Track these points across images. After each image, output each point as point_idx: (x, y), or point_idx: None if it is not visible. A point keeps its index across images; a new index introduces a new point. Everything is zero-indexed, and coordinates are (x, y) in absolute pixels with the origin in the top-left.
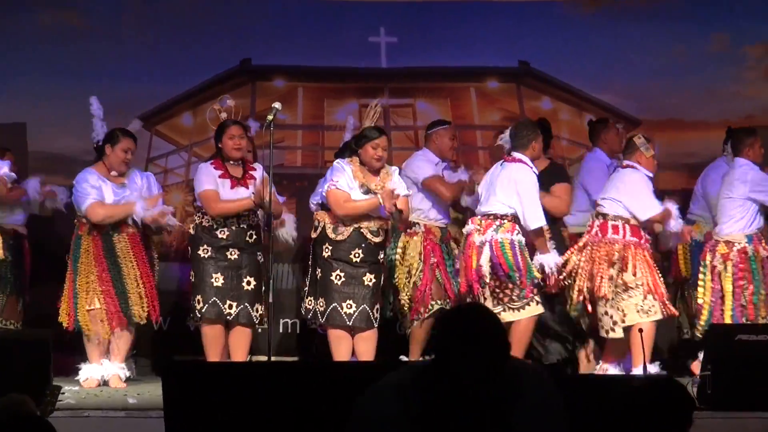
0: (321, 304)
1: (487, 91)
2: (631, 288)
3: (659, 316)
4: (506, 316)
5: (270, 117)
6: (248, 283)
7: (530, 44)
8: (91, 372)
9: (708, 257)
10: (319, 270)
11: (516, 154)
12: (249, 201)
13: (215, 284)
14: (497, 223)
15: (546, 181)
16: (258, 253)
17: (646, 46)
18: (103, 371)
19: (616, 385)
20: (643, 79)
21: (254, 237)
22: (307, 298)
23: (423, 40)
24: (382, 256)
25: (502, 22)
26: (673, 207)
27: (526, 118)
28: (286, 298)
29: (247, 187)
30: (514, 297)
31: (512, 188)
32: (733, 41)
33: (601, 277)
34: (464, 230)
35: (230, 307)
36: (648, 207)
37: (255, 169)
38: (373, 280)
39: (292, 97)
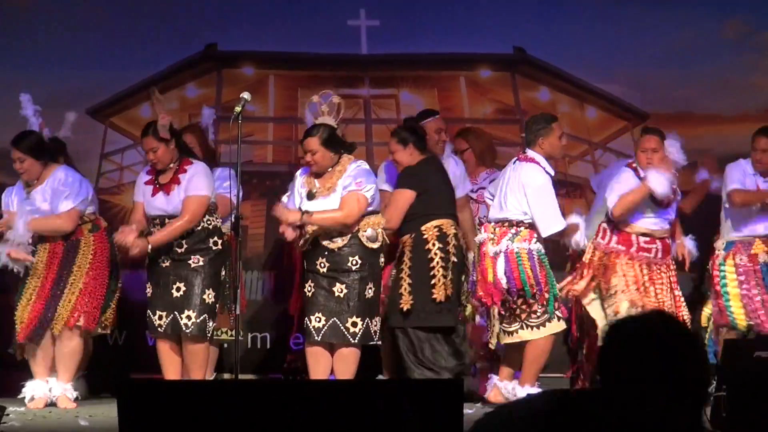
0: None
1: (478, 81)
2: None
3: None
4: (523, 335)
5: (238, 108)
6: (177, 289)
7: (526, 29)
8: (35, 390)
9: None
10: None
11: (529, 152)
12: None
13: (148, 296)
14: (513, 231)
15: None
16: (193, 257)
17: (653, 32)
18: (49, 390)
19: None
20: (650, 67)
21: (185, 247)
22: None
23: (407, 23)
24: (355, 263)
25: (496, 4)
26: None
27: (541, 112)
28: (256, 310)
29: (168, 194)
30: (532, 313)
31: (522, 192)
32: (750, 26)
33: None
34: (477, 239)
35: (160, 318)
36: (608, 201)
37: (185, 171)
38: (345, 291)
39: (262, 87)
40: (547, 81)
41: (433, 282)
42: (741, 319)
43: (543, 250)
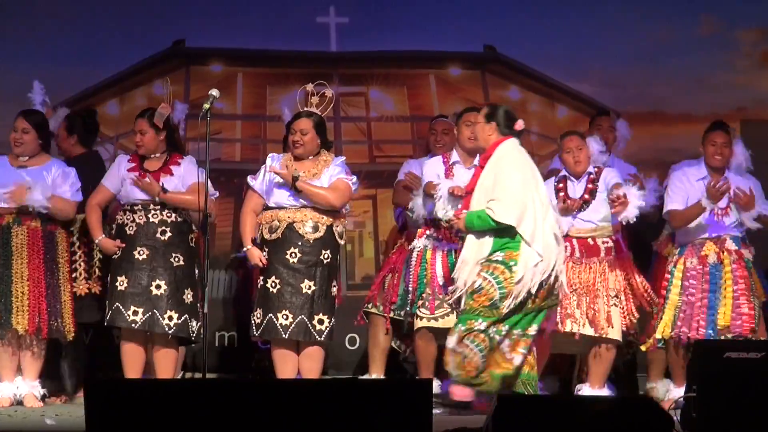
0: (258, 315)
1: (448, 79)
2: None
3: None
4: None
5: (206, 105)
6: (157, 287)
7: (497, 27)
8: (1, 389)
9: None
10: (261, 277)
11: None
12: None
13: (119, 288)
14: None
15: None
16: (174, 255)
17: (626, 29)
18: (16, 389)
19: (588, 406)
20: (622, 66)
21: (168, 235)
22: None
23: (377, 20)
24: (327, 256)
25: (466, 1)
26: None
27: None
28: (223, 309)
29: (158, 181)
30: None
31: None
32: (725, 24)
33: None
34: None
35: (135, 313)
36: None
37: (179, 164)
38: (313, 288)
39: (230, 84)
40: (517, 80)
41: None
42: (667, 328)
43: (426, 246)
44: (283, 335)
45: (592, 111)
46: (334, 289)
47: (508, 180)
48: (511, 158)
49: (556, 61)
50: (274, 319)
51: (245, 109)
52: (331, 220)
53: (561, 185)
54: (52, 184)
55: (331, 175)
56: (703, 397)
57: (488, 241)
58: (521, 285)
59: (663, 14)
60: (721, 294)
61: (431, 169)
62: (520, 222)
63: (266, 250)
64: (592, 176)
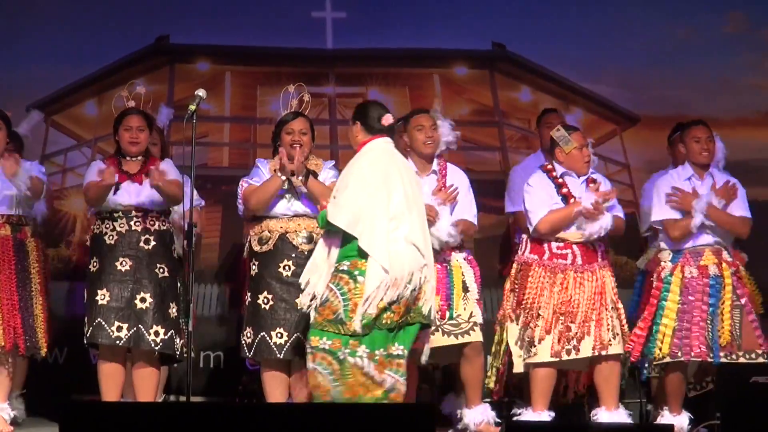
0: (248, 334)
1: (454, 79)
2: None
3: (541, 359)
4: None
5: (192, 107)
6: (142, 300)
7: (507, 23)
8: None
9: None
10: (249, 293)
11: None
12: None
13: (100, 302)
14: None
15: None
16: (159, 265)
17: (646, 28)
18: None
19: None
20: (641, 67)
21: (152, 244)
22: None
23: (377, 16)
24: None
25: None
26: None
27: None
28: (209, 326)
29: (140, 184)
30: None
31: None
32: (752, 21)
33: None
34: None
35: (119, 329)
36: (529, 217)
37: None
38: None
39: (218, 83)
40: (528, 80)
41: None
42: (665, 347)
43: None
44: (278, 355)
45: (608, 114)
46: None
47: (351, 183)
48: (363, 160)
49: (570, 61)
50: (267, 338)
51: (234, 110)
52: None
53: (561, 181)
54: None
55: (324, 179)
56: (728, 424)
57: (336, 248)
58: (368, 298)
59: (685, 13)
60: (719, 309)
61: None
62: (354, 228)
63: (256, 263)
64: (593, 176)
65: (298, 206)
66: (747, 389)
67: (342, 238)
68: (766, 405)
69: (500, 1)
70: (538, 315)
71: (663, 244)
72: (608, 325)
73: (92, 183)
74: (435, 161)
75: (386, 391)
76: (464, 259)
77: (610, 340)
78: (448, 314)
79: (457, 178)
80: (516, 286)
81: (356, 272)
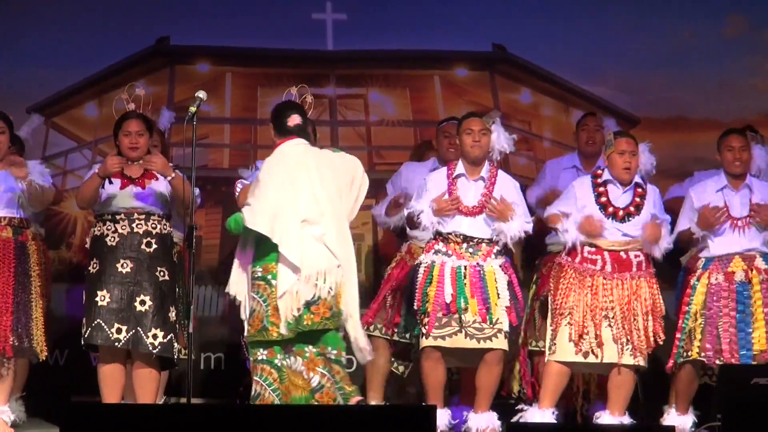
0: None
1: (454, 81)
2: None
3: (561, 358)
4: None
5: (192, 108)
6: (141, 302)
7: (507, 25)
8: None
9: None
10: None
11: None
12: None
13: (100, 303)
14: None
15: None
16: (160, 269)
17: (646, 29)
18: None
19: None
20: (642, 68)
21: (154, 246)
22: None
23: (377, 17)
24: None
25: None
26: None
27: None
28: (210, 328)
29: (144, 188)
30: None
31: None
32: (752, 24)
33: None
34: None
35: (119, 331)
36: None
37: None
38: None
39: (218, 85)
40: (529, 82)
41: None
42: (694, 348)
43: (434, 262)
44: None
45: (609, 116)
46: None
47: (263, 185)
48: (273, 161)
49: (571, 63)
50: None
51: (234, 112)
52: None
53: (602, 189)
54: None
55: None
56: (729, 426)
57: (249, 252)
58: (286, 300)
59: (686, 15)
60: (752, 316)
61: (434, 183)
62: (272, 230)
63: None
64: (640, 189)
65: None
66: (748, 390)
67: (255, 243)
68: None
69: (501, 3)
70: (568, 314)
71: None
72: (633, 335)
73: (85, 182)
74: (486, 167)
75: (312, 390)
76: (500, 265)
77: (629, 350)
78: (488, 318)
79: (507, 185)
80: (543, 282)
81: (269, 276)
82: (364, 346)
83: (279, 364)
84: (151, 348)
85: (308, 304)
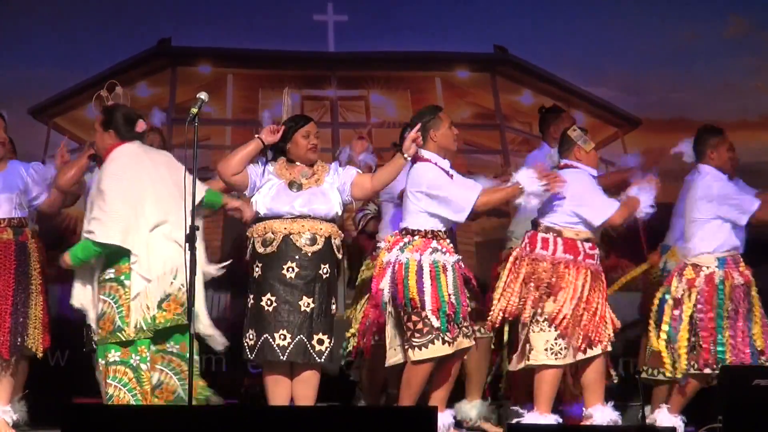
0: (251, 336)
1: (455, 82)
2: (550, 319)
3: (570, 361)
4: (410, 356)
5: (194, 110)
6: None
7: (508, 26)
8: None
9: (674, 283)
10: (252, 296)
11: (420, 152)
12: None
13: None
14: (405, 240)
15: None
16: None
17: (648, 31)
18: None
19: None
20: (643, 69)
21: None
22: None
23: (378, 19)
24: (325, 271)
25: None
26: (639, 192)
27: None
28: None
29: None
30: (416, 332)
31: (415, 196)
32: (754, 24)
33: (525, 300)
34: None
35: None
36: (601, 209)
37: None
38: (312, 305)
39: (220, 86)
40: (530, 83)
41: None
42: (729, 355)
43: (444, 262)
44: (281, 357)
45: (610, 117)
46: (334, 307)
47: (107, 193)
48: (113, 167)
49: (573, 64)
50: (270, 340)
51: (236, 113)
52: (329, 232)
53: None
54: (33, 181)
55: (338, 180)
56: (730, 427)
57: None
58: (139, 300)
59: (687, 16)
60: (753, 314)
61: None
62: (126, 236)
63: (259, 265)
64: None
65: (302, 207)
66: (749, 392)
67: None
68: None
69: (502, 5)
70: (579, 317)
71: (706, 246)
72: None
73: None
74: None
75: (152, 389)
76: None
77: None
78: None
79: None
80: (541, 284)
81: (122, 277)
82: (212, 333)
83: (135, 365)
84: None
85: (160, 302)
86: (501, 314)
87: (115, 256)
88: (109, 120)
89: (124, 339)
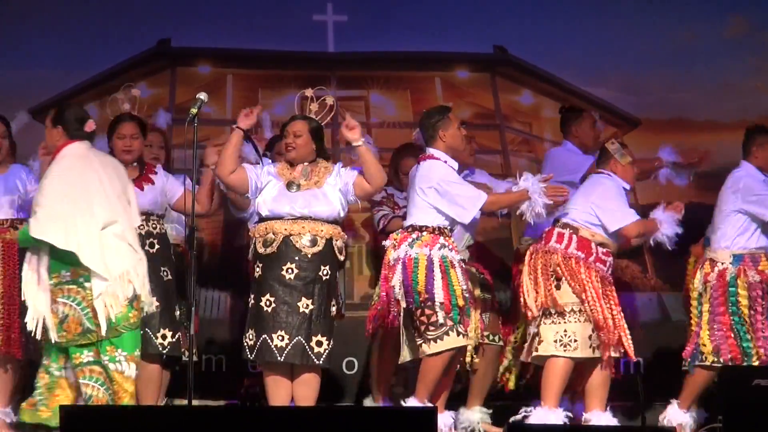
0: (251, 336)
1: (455, 82)
2: (560, 312)
3: (579, 354)
4: (424, 349)
5: (193, 110)
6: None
7: (508, 26)
8: None
9: (697, 276)
10: (252, 296)
11: (429, 150)
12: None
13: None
14: (414, 236)
15: None
16: (163, 269)
17: (648, 31)
18: None
19: None
20: (643, 70)
21: (156, 247)
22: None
23: (378, 19)
24: (326, 273)
25: None
26: (663, 215)
27: (432, 107)
28: (213, 329)
29: (142, 190)
30: (430, 325)
31: (424, 193)
32: (754, 24)
33: (537, 291)
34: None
35: None
36: (618, 216)
37: (155, 173)
38: (311, 306)
39: (219, 87)
40: (530, 83)
41: None
42: (755, 351)
43: (452, 257)
44: (279, 358)
45: (610, 117)
46: (333, 309)
47: (48, 190)
48: (61, 166)
49: (572, 65)
50: (269, 341)
51: (235, 114)
52: (330, 233)
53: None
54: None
55: (340, 181)
56: (730, 427)
57: (45, 259)
58: (106, 299)
59: (687, 16)
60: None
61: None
62: (66, 240)
63: (260, 265)
64: None
65: (302, 209)
66: (749, 392)
67: (49, 252)
68: None
69: (502, 5)
70: (590, 310)
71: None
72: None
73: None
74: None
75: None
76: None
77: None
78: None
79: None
80: (552, 276)
81: (81, 279)
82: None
83: (105, 364)
84: (161, 349)
85: (130, 301)
86: (540, 306)
87: (67, 258)
88: (59, 117)
89: (97, 340)
